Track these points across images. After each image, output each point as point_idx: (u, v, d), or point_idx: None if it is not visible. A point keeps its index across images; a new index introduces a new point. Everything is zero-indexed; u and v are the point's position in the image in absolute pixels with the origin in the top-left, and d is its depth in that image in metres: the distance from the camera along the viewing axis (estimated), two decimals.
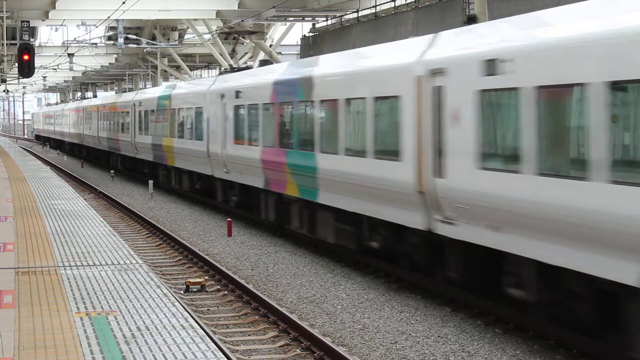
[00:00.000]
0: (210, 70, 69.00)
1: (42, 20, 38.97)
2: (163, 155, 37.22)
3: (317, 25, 41.04)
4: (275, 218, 23.97)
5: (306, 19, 38.81)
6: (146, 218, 28.50)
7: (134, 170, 46.88)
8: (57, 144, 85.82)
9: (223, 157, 27.65)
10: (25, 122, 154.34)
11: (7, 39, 41.57)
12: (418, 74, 15.49)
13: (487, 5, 18.44)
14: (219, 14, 39.01)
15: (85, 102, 64.73)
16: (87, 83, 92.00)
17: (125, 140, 46.16)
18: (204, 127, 30.05)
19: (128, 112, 45.18)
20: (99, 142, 55.64)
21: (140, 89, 64.43)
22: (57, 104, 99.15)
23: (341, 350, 12.76)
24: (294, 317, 14.83)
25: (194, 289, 18.04)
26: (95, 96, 74.09)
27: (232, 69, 31.48)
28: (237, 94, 26.34)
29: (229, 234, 25.35)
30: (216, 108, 28.53)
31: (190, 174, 33.73)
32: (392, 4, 31.37)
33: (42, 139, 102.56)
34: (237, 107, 26.33)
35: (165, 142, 36.33)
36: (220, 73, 32.34)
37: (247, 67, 30.75)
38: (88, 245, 15.39)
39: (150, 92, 41.47)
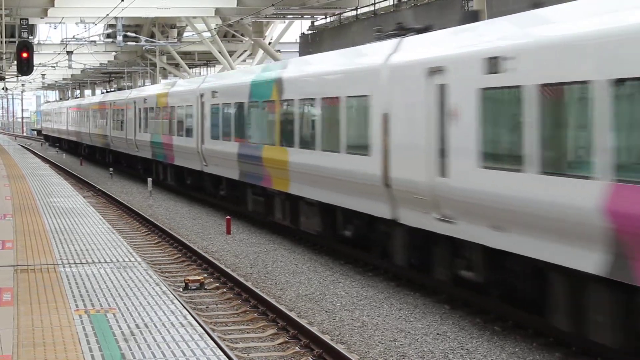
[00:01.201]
0: (208, 68, 68.91)
1: (41, 18, 39.06)
2: (264, 173, 23.74)
3: (315, 23, 41.06)
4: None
5: (305, 16, 38.84)
6: (145, 216, 28.50)
7: (200, 189, 33.15)
8: (70, 147, 73.36)
9: (437, 190, 14.65)
10: (25, 120, 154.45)
11: (6, 37, 41.56)
12: None
13: (486, 3, 18.46)
14: (217, 11, 39.06)
15: (113, 96, 51.32)
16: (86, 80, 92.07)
17: (184, 147, 32.68)
18: (374, 133, 17.02)
19: (190, 106, 31.80)
20: (137, 147, 42.22)
21: (139, 85, 63.65)
22: (62, 99, 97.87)
23: (340, 347, 12.76)
24: (292, 314, 14.84)
25: (193, 287, 18.04)
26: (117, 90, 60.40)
27: (411, 30, 17.42)
28: (493, 64, 13.15)
29: (228, 232, 25.34)
30: (412, 97, 15.51)
31: (328, 209, 20.21)
32: (391, 1, 31.39)
33: (50, 140, 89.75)
34: (488, 92, 13.35)
35: (269, 153, 23.08)
36: (389, 35, 17.91)
37: (428, 28, 17.12)
38: (87, 242, 15.39)
39: (234, 77, 27.90)
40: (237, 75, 27.83)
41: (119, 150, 48.07)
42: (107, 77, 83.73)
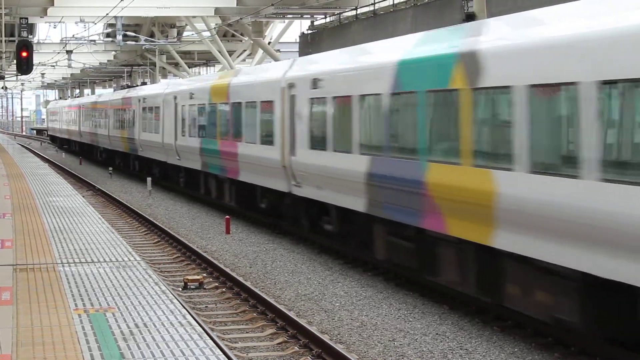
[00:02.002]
0: (208, 68, 68.94)
1: (41, 17, 39.05)
2: (426, 207, 14.97)
3: (315, 23, 41.09)
4: None
5: (304, 16, 38.83)
6: (144, 215, 28.50)
7: (282, 216, 24.22)
8: (84, 151, 64.83)
9: None
10: (24, 119, 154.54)
11: (5, 36, 41.57)
12: None
13: (485, 3, 18.44)
14: (217, 11, 39.04)
15: (143, 90, 42.65)
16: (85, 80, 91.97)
17: (257, 158, 24.28)
18: None
19: (269, 102, 23.25)
20: (178, 155, 33.68)
21: (138, 84, 62.70)
22: (63, 97, 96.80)
23: (339, 347, 12.77)
24: (292, 314, 14.84)
25: (192, 286, 18.04)
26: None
27: None
28: None
29: (227, 231, 25.33)
30: None
31: (601, 289, 11.30)
32: (390, 1, 31.39)
33: (58, 142, 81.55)
34: None
35: (445, 176, 14.30)
36: None
37: None
38: (86, 242, 15.39)
39: (354, 57, 18.81)
40: (359, 54, 18.61)
41: (150, 157, 39.66)
42: (129, 69, 76.23)
